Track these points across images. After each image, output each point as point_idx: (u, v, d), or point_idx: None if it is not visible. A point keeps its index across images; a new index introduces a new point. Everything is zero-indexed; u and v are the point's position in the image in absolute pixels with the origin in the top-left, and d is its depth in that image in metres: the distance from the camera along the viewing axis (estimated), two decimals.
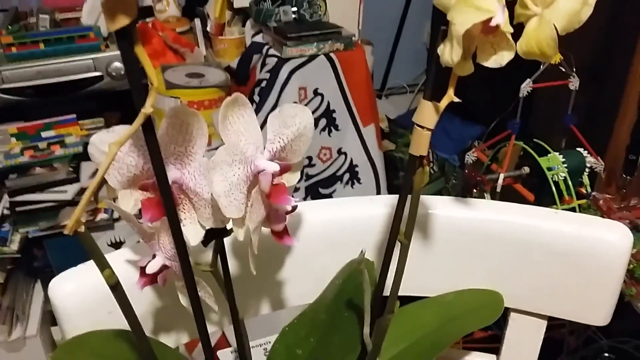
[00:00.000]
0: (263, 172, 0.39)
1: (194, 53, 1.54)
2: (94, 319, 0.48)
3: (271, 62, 1.37)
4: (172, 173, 0.38)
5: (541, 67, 1.09)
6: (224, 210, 0.37)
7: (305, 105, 0.44)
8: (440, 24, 0.36)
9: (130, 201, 0.40)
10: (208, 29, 1.57)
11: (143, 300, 0.51)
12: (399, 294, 0.47)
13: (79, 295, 0.48)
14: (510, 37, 0.35)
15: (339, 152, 1.47)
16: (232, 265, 0.51)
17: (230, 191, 0.37)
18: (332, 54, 1.38)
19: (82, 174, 1.30)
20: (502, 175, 1.14)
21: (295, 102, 1.30)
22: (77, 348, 0.46)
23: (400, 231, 0.44)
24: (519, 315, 0.59)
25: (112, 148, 0.31)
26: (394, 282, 0.45)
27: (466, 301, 0.57)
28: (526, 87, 1.10)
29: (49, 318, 1.38)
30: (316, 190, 1.48)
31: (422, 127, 0.39)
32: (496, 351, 0.64)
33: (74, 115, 1.38)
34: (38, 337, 1.29)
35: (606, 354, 1.19)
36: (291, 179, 0.43)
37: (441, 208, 0.57)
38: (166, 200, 0.35)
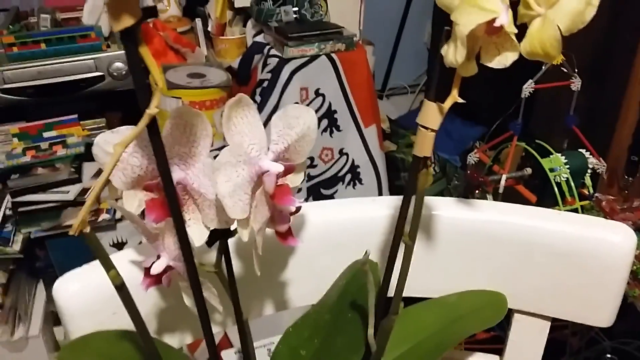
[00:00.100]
0: (267, 173, 0.39)
1: (195, 53, 1.54)
2: (98, 320, 0.48)
3: (272, 62, 1.37)
4: (176, 174, 0.38)
5: (543, 67, 1.09)
6: (228, 211, 0.37)
7: (307, 105, 0.44)
8: (441, 24, 0.36)
9: (134, 202, 0.40)
10: (209, 28, 1.57)
11: (147, 301, 0.51)
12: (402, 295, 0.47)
13: (83, 296, 0.48)
14: (514, 37, 0.35)
15: (341, 152, 1.47)
16: (236, 266, 0.51)
17: (234, 192, 0.37)
18: (333, 54, 1.38)
19: (84, 175, 1.30)
20: (504, 177, 1.14)
21: (297, 103, 1.30)
22: (82, 348, 0.46)
23: (405, 232, 0.44)
24: (522, 316, 0.59)
25: (117, 149, 0.31)
26: (398, 283, 0.45)
27: (469, 302, 0.57)
28: (528, 87, 1.10)
29: (52, 318, 1.38)
30: (318, 191, 1.47)
31: (426, 128, 0.39)
32: (499, 352, 0.64)
33: (76, 116, 1.38)
34: (40, 338, 1.29)
35: (609, 355, 1.19)
36: (295, 179, 0.43)
37: (444, 209, 0.57)
38: (171, 201, 0.35)
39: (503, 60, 0.36)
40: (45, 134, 1.37)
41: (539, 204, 1.14)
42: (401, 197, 0.46)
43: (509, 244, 0.56)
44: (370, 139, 1.49)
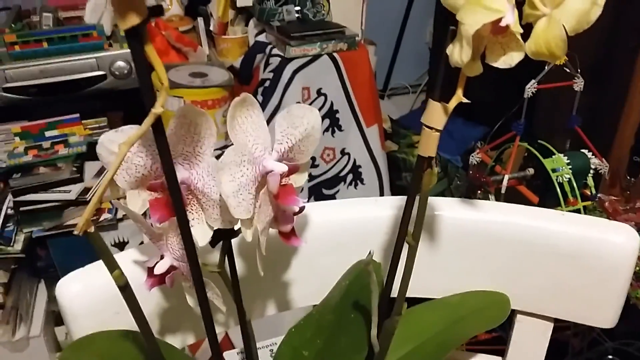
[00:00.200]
0: (271, 172, 0.39)
1: (197, 52, 1.53)
2: (101, 320, 0.48)
3: (274, 61, 1.37)
4: (181, 173, 0.38)
5: (546, 67, 1.09)
6: (232, 211, 0.37)
7: (308, 105, 0.44)
8: (443, 24, 0.36)
9: (138, 201, 0.40)
10: (211, 28, 1.57)
11: (150, 301, 0.51)
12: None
13: (86, 296, 0.48)
14: (519, 37, 0.35)
15: (342, 152, 1.47)
16: (239, 266, 0.51)
17: (238, 192, 0.37)
18: (335, 54, 1.38)
19: (86, 174, 1.30)
20: (506, 177, 1.14)
21: (299, 102, 1.30)
22: (85, 348, 0.46)
23: (408, 232, 0.44)
24: (525, 317, 0.59)
25: (122, 148, 0.31)
26: (401, 284, 0.45)
27: (472, 303, 0.57)
28: (531, 88, 1.10)
29: (53, 318, 1.38)
30: (319, 191, 1.47)
31: (431, 128, 0.39)
32: (501, 353, 0.64)
33: (77, 115, 1.38)
34: (42, 337, 1.29)
35: (610, 357, 1.19)
36: (299, 179, 0.43)
37: (447, 209, 0.57)
38: (176, 200, 0.35)
39: (508, 60, 0.36)
40: (47, 133, 1.36)
41: (541, 204, 1.14)
42: (404, 197, 0.46)
43: (511, 244, 0.56)
44: (372, 139, 1.49)
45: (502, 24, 0.33)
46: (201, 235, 0.40)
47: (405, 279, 0.45)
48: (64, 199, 1.24)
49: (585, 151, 1.14)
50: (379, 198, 0.59)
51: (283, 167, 0.39)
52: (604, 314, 0.56)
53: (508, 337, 0.62)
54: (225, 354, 0.55)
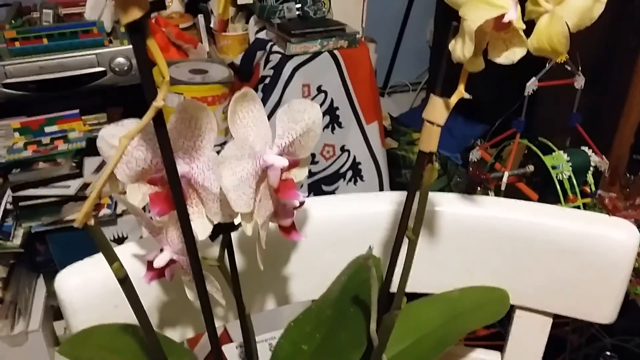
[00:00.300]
0: (272, 167, 0.39)
1: (197, 49, 1.53)
2: (100, 313, 0.48)
3: (275, 58, 1.37)
4: (181, 167, 0.38)
5: (547, 65, 1.09)
6: (232, 205, 0.37)
7: None
8: (443, 22, 0.36)
9: (138, 195, 0.40)
10: (211, 25, 1.57)
11: (149, 295, 0.51)
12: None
13: (85, 289, 0.48)
14: (522, 33, 0.35)
15: (342, 149, 1.47)
16: (238, 260, 0.51)
17: (239, 186, 0.37)
18: (335, 51, 1.38)
19: (85, 169, 1.30)
20: (506, 174, 1.14)
21: None
22: (84, 342, 0.46)
23: (408, 227, 0.44)
24: (524, 312, 0.59)
25: (123, 141, 0.31)
26: (401, 278, 0.45)
27: (472, 298, 0.57)
28: (532, 85, 1.09)
29: (52, 313, 1.38)
30: (319, 187, 1.47)
31: (432, 123, 0.39)
32: (499, 349, 0.64)
33: (77, 111, 1.38)
34: (40, 332, 1.29)
35: (609, 353, 1.19)
36: (299, 174, 0.43)
37: (447, 205, 0.57)
38: (176, 194, 0.35)
39: (511, 56, 0.36)
40: (47, 129, 1.36)
41: (540, 201, 1.14)
42: (404, 192, 0.46)
43: (511, 240, 0.56)
44: (371, 136, 1.49)
45: (505, 19, 0.33)
46: (201, 229, 0.40)
47: (404, 274, 0.45)
48: (63, 195, 1.24)
49: (586, 149, 1.14)
50: (379, 193, 0.59)
51: (284, 162, 0.39)
52: (603, 309, 0.57)
53: (507, 333, 0.62)
54: (224, 348, 0.55)
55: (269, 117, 0.39)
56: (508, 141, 1.19)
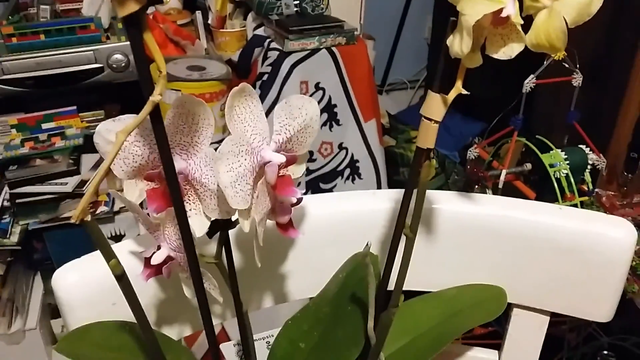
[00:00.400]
0: (269, 163, 0.39)
1: (195, 46, 1.53)
2: (98, 310, 0.47)
3: (273, 55, 1.37)
4: (178, 163, 0.38)
5: (545, 62, 1.09)
6: (230, 201, 0.37)
7: None
8: (441, 19, 0.36)
9: (135, 192, 0.40)
10: (209, 21, 1.57)
11: (146, 292, 0.51)
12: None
13: (82, 287, 0.48)
14: (520, 28, 0.35)
15: (340, 147, 1.47)
16: (236, 257, 0.51)
17: (236, 182, 0.37)
18: (334, 48, 1.37)
19: (83, 166, 1.29)
20: (504, 172, 1.14)
21: None
22: (81, 339, 0.46)
23: (406, 224, 0.44)
24: (521, 310, 0.59)
25: (120, 136, 0.31)
26: (398, 276, 0.45)
27: (469, 296, 0.57)
28: (529, 83, 1.09)
29: (49, 311, 1.38)
30: (317, 185, 1.47)
31: (430, 120, 0.39)
32: (497, 348, 0.64)
33: (74, 107, 1.38)
34: (38, 330, 1.29)
35: (606, 351, 1.19)
36: (297, 170, 0.43)
37: (445, 203, 0.57)
38: (173, 190, 0.35)
39: (508, 51, 0.35)
40: (44, 126, 1.36)
41: (538, 199, 1.14)
42: (402, 190, 0.46)
43: (509, 238, 0.56)
44: (369, 134, 1.48)
45: (503, 14, 0.33)
46: (198, 225, 0.40)
47: (402, 272, 0.45)
48: (60, 192, 1.24)
49: (583, 147, 1.14)
50: (377, 191, 0.59)
51: (281, 158, 0.39)
52: (600, 308, 0.57)
53: (504, 331, 0.62)
54: (222, 346, 0.55)
55: (267, 113, 0.39)
56: (506, 139, 1.19)
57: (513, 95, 1.16)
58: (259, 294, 0.58)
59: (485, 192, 1.16)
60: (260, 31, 1.47)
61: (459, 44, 0.34)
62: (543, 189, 1.12)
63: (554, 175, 1.07)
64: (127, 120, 0.36)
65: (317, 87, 1.39)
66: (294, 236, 0.43)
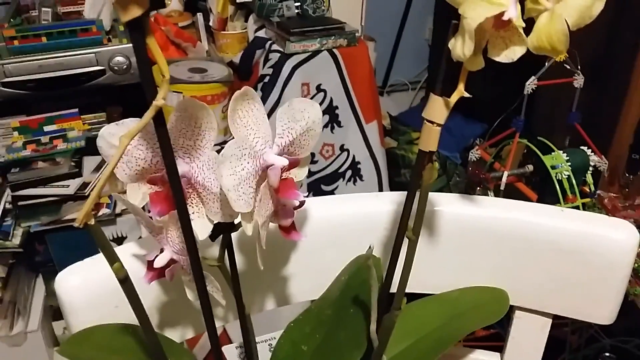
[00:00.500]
0: (272, 166, 0.39)
1: (196, 48, 1.53)
2: (101, 313, 0.48)
3: (274, 57, 1.37)
4: (181, 167, 0.38)
5: (546, 64, 1.09)
6: (232, 204, 0.37)
7: None
8: (442, 21, 0.36)
9: (138, 195, 0.40)
10: (210, 23, 1.57)
11: (149, 295, 0.51)
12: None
13: (85, 289, 0.48)
14: (522, 31, 0.35)
15: (342, 148, 1.47)
16: (238, 260, 0.51)
17: (239, 185, 0.37)
18: (335, 50, 1.38)
19: (84, 169, 1.30)
20: (506, 173, 1.14)
21: None
22: (84, 341, 0.46)
23: (409, 227, 0.44)
24: (523, 313, 0.59)
25: (123, 140, 0.31)
26: (401, 278, 0.45)
27: (471, 298, 0.57)
28: (531, 84, 1.09)
29: (51, 313, 1.38)
30: (318, 187, 1.47)
31: (432, 123, 0.39)
32: (499, 350, 0.64)
33: (76, 110, 1.38)
34: (39, 332, 1.29)
35: (608, 354, 1.19)
36: (299, 173, 0.43)
37: (446, 205, 0.57)
38: (176, 194, 0.35)
39: (510, 54, 0.35)
40: (46, 128, 1.36)
41: (540, 201, 1.14)
42: (404, 192, 0.46)
43: (511, 240, 0.56)
44: (371, 135, 1.49)
45: (505, 17, 0.33)
46: (201, 228, 0.40)
47: (404, 274, 0.45)
48: (62, 194, 1.24)
49: (585, 148, 1.14)
50: (380, 193, 0.59)
51: (284, 161, 0.39)
52: (602, 310, 0.57)
53: (506, 333, 0.62)
54: (224, 349, 0.55)
55: (269, 116, 0.39)
56: (507, 140, 1.19)
57: (514, 97, 1.16)
58: (261, 296, 0.58)
59: (487, 194, 1.16)
60: (261, 33, 1.48)
61: (461, 47, 0.34)
62: (545, 190, 1.12)
63: (555, 176, 1.07)
64: (130, 124, 0.36)
65: (319, 88, 1.39)
66: (297, 239, 0.43)
